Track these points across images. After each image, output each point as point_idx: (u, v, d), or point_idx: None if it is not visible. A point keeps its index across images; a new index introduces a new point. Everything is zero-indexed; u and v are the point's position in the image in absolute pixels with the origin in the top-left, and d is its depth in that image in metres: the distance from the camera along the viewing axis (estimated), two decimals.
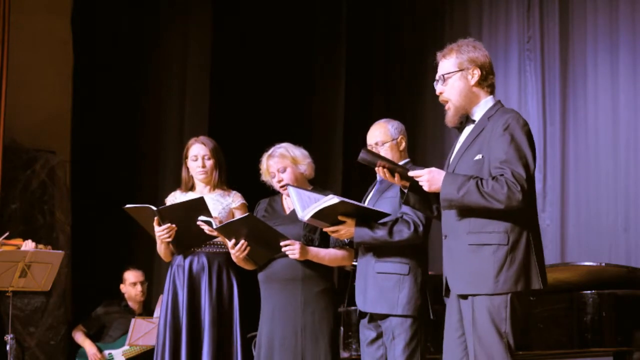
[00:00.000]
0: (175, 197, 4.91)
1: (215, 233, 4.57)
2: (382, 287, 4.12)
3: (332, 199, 4.01)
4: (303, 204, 4.10)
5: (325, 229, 4.19)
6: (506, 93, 7.59)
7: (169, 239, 4.69)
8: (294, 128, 7.87)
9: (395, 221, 4.09)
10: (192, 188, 4.91)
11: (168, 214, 4.64)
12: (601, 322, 4.73)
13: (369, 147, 4.30)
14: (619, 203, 6.99)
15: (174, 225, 4.64)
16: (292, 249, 4.37)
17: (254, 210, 4.77)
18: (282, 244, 4.38)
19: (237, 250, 4.44)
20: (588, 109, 7.25)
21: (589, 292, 4.77)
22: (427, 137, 8.11)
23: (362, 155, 3.72)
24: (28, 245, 5.63)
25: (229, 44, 8.32)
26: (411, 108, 8.20)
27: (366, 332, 4.22)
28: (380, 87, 8.58)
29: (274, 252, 4.45)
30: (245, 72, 8.25)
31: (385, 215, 4.11)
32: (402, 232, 4.06)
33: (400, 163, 4.22)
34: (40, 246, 5.78)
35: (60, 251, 5.79)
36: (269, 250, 4.45)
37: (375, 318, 4.19)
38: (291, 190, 4.21)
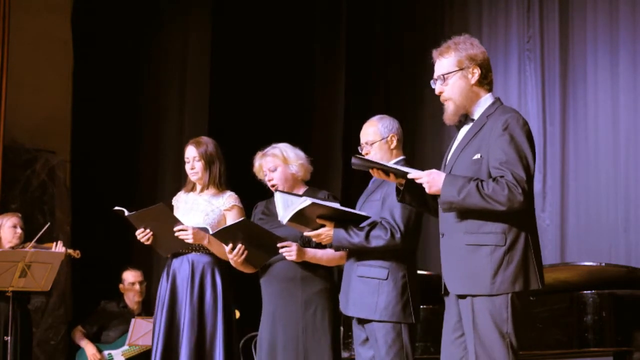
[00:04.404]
0: (179, 198, 4.95)
1: (191, 241, 4.64)
2: (362, 291, 4.11)
3: (305, 201, 3.98)
4: (286, 208, 4.09)
5: (306, 234, 4.17)
6: (506, 93, 7.58)
7: (148, 242, 4.76)
8: (294, 127, 7.88)
9: (374, 226, 4.07)
10: (193, 188, 4.95)
11: (138, 220, 4.71)
12: (601, 322, 4.73)
13: (360, 146, 4.29)
14: (619, 203, 6.99)
15: (148, 231, 4.71)
16: (289, 251, 4.37)
17: (251, 212, 4.77)
18: (278, 245, 4.38)
19: (234, 254, 4.45)
20: (588, 109, 7.25)
21: (589, 292, 4.77)
22: (427, 136, 8.12)
23: (354, 162, 3.68)
24: (59, 247, 5.76)
25: (229, 44, 8.32)
26: (411, 107, 8.20)
27: (357, 332, 4.22)
28: (380, 86, 8.58)
29: (271, 255, 4.45)
30: (245, 71, 8.25)
31: (366, 218, 4.08)
32: (379, 239, 4.03)
33: (392, 162, 4.18)
34: (70, 251, 5.89)
35: (60, 251, 5.80)
36: (267, 252, 4.45)
37: (361, 320, 4.18)
38: (277, 195, 4.20)
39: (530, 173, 3.42)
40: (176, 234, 4.68)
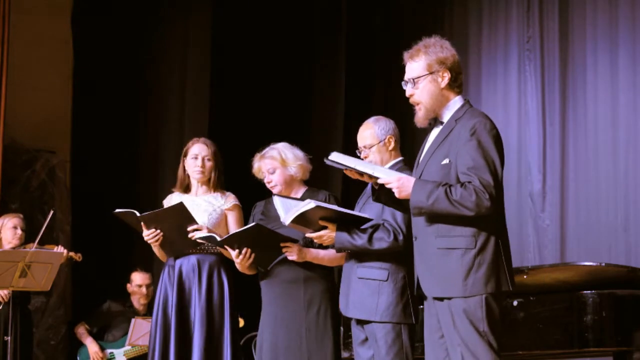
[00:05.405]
0: (172, 200, 4.92)
1: (203, 233, 4.59)
2: (362, 292, 4.12)
3: (309, 204, 3.98)
4: (287, 210, 4.10)
5: (308, 235, 4.17)
6: (506, 93, 7.58)
7: (157, 243, 4.72)
8: (293, 127, 7.88)
9: (376, 228, 4.08)
10: (187, 188, 4.92)
11: (151, 220, 4.66)
12: (601, 322, 4.73)
13: (358, 150, 4.28)
14: (618, 203, 6.99)
15: (159, 231, 4.68)
16: (290, 251, 4.38)
17: (250, 212, 4.77)
18: (281, 244, 4.38)
19: (242, 258, 4.43)
20: (588, 108, 7.25)
21: (589, 292, 4.77)
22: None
23: (327, 162, 3.68)
24: (60, 250, 5.78)
25: (229, 44, 8.32)
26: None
27: (356, 333, 4.23)
28: (381, 86, 8.58)
29: (278, 255, 4.45)
30: (245, 72, 8.25)
31: (367, 220, 4.09)
32: (382, 241, 4.04)
33: (390, 163, 4.21)
34: (71, 254, 5.90)
35: (60, 251, 5.80)
36: (274, 253, 4.45)
37: (360, 321, 4.19)
38: (277, 199, 4.22)
39: (498, 178, 3.45)
40: (191, 233, 4.65)
